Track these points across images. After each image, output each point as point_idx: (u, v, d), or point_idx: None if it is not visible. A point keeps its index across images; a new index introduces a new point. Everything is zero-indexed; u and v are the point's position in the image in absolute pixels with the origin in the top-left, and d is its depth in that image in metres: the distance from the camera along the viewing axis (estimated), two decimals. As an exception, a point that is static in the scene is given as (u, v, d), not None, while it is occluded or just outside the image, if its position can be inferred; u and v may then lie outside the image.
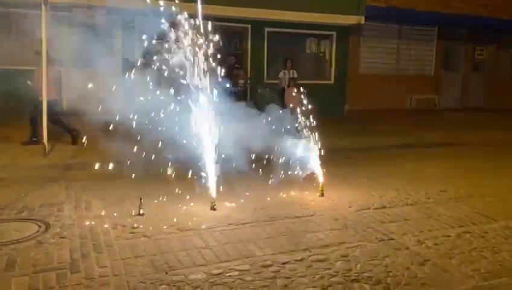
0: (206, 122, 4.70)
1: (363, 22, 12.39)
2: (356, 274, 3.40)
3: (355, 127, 11.04)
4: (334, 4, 11.96)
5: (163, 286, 3.13)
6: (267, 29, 12.34)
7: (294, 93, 9.22)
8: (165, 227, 4.21)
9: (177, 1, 4.43)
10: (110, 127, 4.83)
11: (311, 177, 5.52)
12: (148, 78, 4.71)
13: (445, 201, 5.40)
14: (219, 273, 3.34)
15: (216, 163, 4.80)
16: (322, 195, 5.37)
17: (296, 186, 5.54)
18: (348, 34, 13.31)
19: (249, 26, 12.15)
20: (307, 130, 5.41)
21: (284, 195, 5.37)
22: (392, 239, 4.11)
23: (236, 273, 3.35)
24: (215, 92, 4.75)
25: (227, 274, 3.33)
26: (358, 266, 3.54)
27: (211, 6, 5.50)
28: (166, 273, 3.32)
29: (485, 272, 3.52)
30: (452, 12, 14.48)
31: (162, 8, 4.51)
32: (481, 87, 16.63)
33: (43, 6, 6.69)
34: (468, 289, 3.26)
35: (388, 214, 4.84)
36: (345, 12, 12.18)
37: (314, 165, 5.48)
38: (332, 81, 13.47)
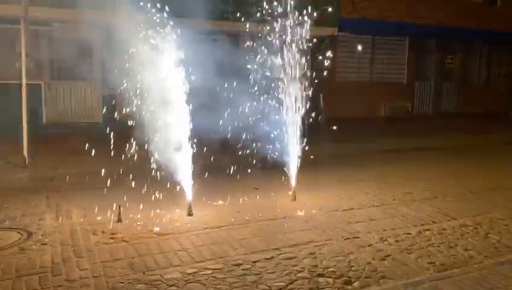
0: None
1: (336, 33, 12.87)
2: (321, 269, 3.67)
3: (330, 134, 11.37)
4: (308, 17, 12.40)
5: (141, 285, 3.35)
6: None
7: None
8: (143, 232, 4.42)
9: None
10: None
11: None
12: None
13: (410, 202, 5.74)
14: (193, 272, 3.57)
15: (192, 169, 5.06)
16: (295, 199, 5.65)
17: (271, 191, 5.81)
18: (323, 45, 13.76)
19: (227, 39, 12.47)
20: None
21: (259, 200, 5.63)
22: (357, 237, 4.41)
23: (210, 271, 3.59)
24: None
25: (201, 273, 3.57)
26: (324, 262, 3.82)
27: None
28: (144, 273, 3.54)
29: (439, 265, 3.84)
30: (421, 23, 15.10)
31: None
32: (452, 94, 17.30)
33: (22, 21, 6.88)
34: (423, 279, 3.56)
35: (355, 215, 5.14)
36: (319, 25, 12.60)
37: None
38: (308, 91, 13.88)
